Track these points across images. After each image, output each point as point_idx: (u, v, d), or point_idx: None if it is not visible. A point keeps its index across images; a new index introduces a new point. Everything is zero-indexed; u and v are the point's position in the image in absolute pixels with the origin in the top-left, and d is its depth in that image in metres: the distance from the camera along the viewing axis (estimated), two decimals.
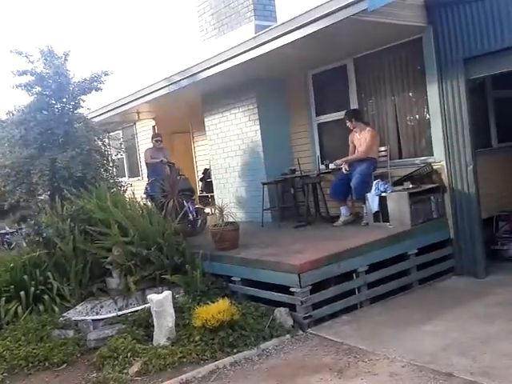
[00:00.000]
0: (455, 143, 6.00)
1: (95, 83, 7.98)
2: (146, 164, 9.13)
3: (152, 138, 9.26)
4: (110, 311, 5.79)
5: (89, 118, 8.64)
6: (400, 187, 6.31)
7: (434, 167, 6.26)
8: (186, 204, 7.60)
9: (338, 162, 6.89)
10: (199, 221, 8.02)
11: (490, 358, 3.85)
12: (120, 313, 5.44)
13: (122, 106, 9.81)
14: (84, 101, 8.06)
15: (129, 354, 4.48)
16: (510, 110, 7.18)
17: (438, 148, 6.22)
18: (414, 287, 5.77)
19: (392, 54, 6.79)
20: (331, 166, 7.16)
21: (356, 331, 4.75)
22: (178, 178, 8.03)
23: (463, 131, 5.90)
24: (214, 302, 4.91)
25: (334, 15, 5.34)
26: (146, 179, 11.94)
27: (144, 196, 8.65)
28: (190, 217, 7.64)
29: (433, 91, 6.16)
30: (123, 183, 8.73)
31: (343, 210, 6.88)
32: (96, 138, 8.12)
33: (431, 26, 6.07)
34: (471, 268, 5.99)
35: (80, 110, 8.12)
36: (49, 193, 7.42)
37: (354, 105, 7.26)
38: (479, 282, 5.80)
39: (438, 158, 6.24)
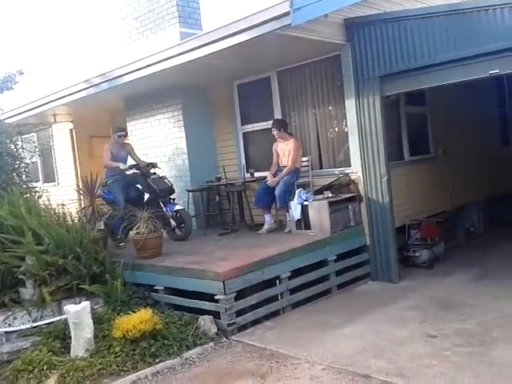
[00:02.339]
0: (371, 155, 6.33)
1: (8, 83, 7.56)
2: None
3: (114, 132, 7.60)
4: (23, 323, 5.48)
5: (1, 119, 8.15)
6: (320, 196, 6.55)
7: (352, 178, 6.56)
8: (164, 208, 6.96)
9: (270, 183, 6.86)
10: (185, 223, 7.08)
11: (404, 359, 4.08)
12: (35, 324, 5.18)
13: (38, 107, 9.32)
14: None
15: (45, 367, 4.29)
16: (421, 125, 7.72)
17: (355, 160, 6.51)
18: (333, 292, 5.99)
19: (313, 69, 7.06)
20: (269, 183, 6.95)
21: (278, 336, 4.85)
22: (153, 177, 7.19)
23: (378, 144, 6.24)
24: (135, 312, 4.81)
25: (258, 28, 5.44)
26: (62, 184, 11.52)
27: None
28: (172, 222, 7.01)
29: (351, 106, 6.45)
30: (38, 189, 8.31)
31: (267, 217, 7.01)
32: (8, 140, 7.68)
33: (350, 44, 6.37)
34: (386, 273, 6.33)
35: None
36: None
37: (277, 115, 7.44)
38: (393, 287, 6.13)
39: (355, 169, 6.54)
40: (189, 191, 7.87)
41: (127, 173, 7.27)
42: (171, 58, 6.48)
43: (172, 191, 7.27)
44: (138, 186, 7.41)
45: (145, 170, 7.25)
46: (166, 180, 7.29)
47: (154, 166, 7.41)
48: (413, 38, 5.76)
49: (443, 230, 7.36)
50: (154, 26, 8.64)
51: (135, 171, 7.27)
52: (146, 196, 7.30)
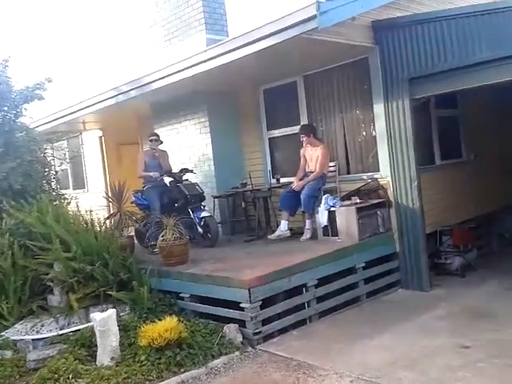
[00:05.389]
0: (400, 160, 6.18)
1: (38, 91, 7.69)
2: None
3: (147, 138, 7.67)
4: (51, 330, 5.51)
5: (32, 127, 8.30)
6: (348, 202, 6.42)
7: (381, 183, 6.42)
8: (192, 215, 6.95)
9: (295, 187, 6.70)
10: (211, 230, 6.98)
11: (435, 372, 3.93)
12: (61, 332, 5.20)
13: (68, 115, 9.49)
14: (26, 109, 7.76)
15: (70, 376, 4.27)
16: (452, 128, 7.51)
17: (384, 164, 6.37)
18: (362, 301, 5.85)
19: (340, 73, 6.95)
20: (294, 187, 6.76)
21: (305, 346, 4.74)
22: (185, 183, 7.16)
23: (408, 149, 6.09)
24: (161, 320, 4.78)
25: (285, 32, 5.39)
26: (92, 191, 11.68)
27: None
28: (199, 229, 6.97)
29: (379, 110, 6.32)
30: (67, 195, 8.41)
31: (283, 223, 6.75)
32: (38, 148, 7.81)
33: (378, 47, 6.26)
34: (416, 281, 6.14)
35: (22, 119, 7.81)
36: None
37: (304, 121, 7.36)
38: (424, 296, 5.95)
39: (384, 174, 6.39)
40: (215, 197, 7.84)
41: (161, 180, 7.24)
42: (197, 64, 6.49)
43: (202, 198, 7.27)
44: (171, 192, 7.29)
45: (177, 175, 7.26)
46: (197, 186, 7.29)
47: (187, 171, 7.42)
48: (443, 40, 5.62)
49: (476, 236, 7.12)
50: (181, 34, 8.67)
51: (168, 177, 7.25)
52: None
